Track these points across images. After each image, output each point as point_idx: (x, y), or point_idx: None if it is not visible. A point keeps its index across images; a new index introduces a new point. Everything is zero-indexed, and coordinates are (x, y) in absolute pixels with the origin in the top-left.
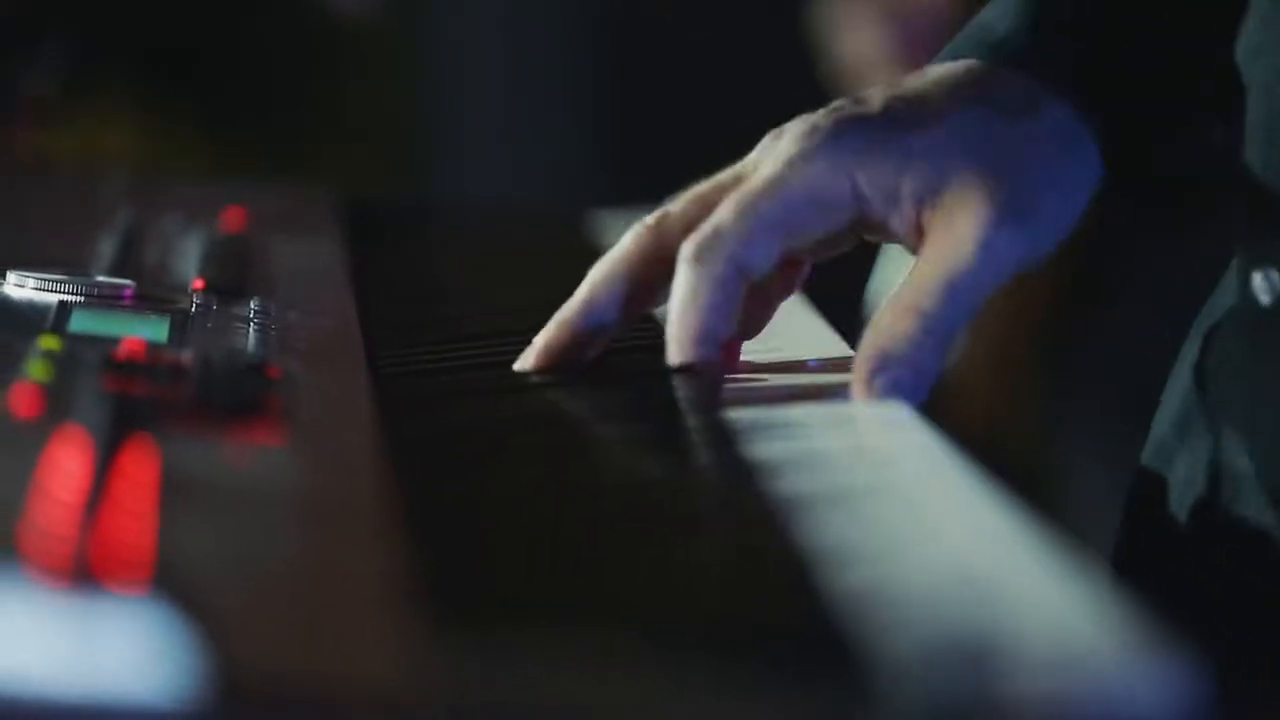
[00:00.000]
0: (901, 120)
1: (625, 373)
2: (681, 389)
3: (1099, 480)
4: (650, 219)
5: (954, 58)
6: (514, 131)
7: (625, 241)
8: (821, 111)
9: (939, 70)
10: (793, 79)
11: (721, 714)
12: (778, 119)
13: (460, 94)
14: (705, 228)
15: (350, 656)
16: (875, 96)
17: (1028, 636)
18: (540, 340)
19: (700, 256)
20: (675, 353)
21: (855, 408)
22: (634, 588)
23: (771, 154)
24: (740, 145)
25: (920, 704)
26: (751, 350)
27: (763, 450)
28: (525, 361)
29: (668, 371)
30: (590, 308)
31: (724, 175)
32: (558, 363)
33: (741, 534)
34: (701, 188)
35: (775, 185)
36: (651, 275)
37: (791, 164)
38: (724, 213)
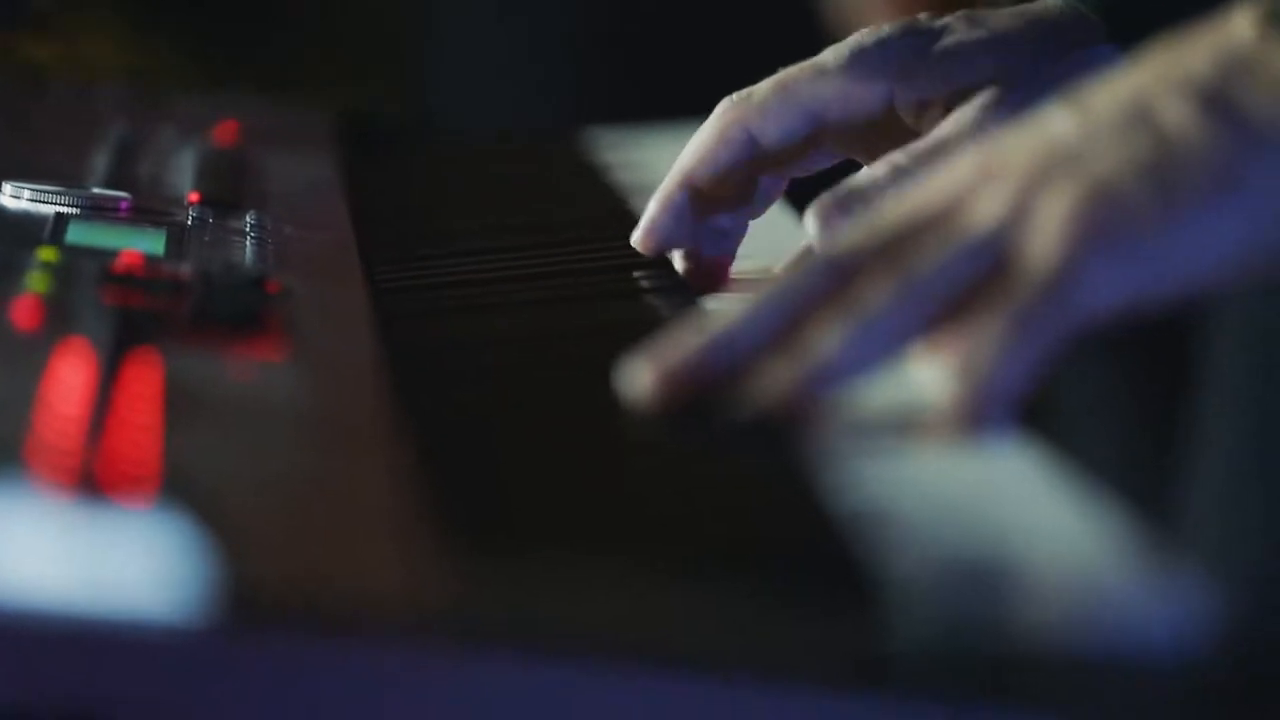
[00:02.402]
0: (960, 37)
1: (627, 290)
2: (682, 303)
3: (1101, 403)
4: (734, 99)
5: None
6: (507, 51)
7: (701, 136)
8: (897, 21)
9: (1016, 8)
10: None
11: (728, 633)
12: (767, 39)
13: (454, 13)
14: (744, 90)
15: (359, 571)
16: (945, 18)
17: (1037, 558)
18: (649, 219)
19: (721, 108)
20: (656, 193)
21: None
22: (640, 508)
23: (834, 48)
24: (736, 63)
25: (930, 624)
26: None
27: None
28: (639, 240)
29: (670, 288)
30: (687, 179)
31: (803, 66)
32: (665, 237)
33: (749, 455)
34: (783, 75)
35: (814, 67)
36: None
37: (839, 54)
38: (763, 82)
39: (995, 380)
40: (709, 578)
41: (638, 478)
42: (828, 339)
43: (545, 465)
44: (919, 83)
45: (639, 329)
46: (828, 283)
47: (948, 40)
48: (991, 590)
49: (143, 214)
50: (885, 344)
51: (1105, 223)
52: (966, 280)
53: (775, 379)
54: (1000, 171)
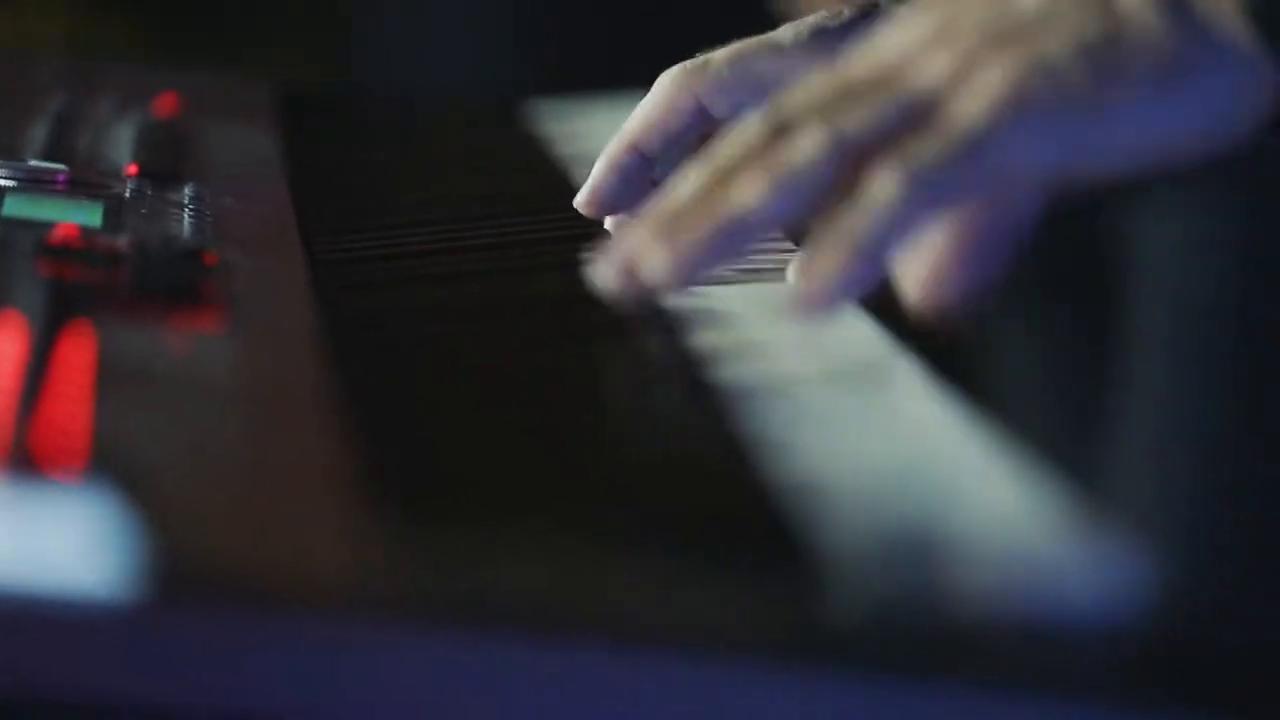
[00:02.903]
0: None
1: (569, 261)
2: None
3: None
4: (688, 66)
5: None
6: (449, 21)
7: (660, 86)
8: (857, 5)
9: None
10: None
11: (664, 602)
12: (710, 11)
13: None
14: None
15: (294, 546)
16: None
17: (969, 527)
18: (593, 180)
19: (672, 74)
20: (603, 154)
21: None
22: (578, 479)
23: (793, 25)
24: (679, 34)
25: (864, 595)
26: None
27: (706, 339)
28: (583, 202)
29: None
30: (633, 142)
31: (760, 39)
32: (608, 201)
33: (685, 423)
34: (739, 47)
35: (772, 43)
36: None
37: (798, 32)
38: (718, 53)
39: (873, 235)
40: (645, 549)
41: (575, 450)
42: (745, 189)
43: (483, 437)
44: None
45: (579, 300)
46: (763, 139)
47: None
48: (925, 559)
49: (80, 186)
50: (800, 193)
51: (1038, 92)
52: (891, 133)
53: (693, 225)
54: (951, 37)
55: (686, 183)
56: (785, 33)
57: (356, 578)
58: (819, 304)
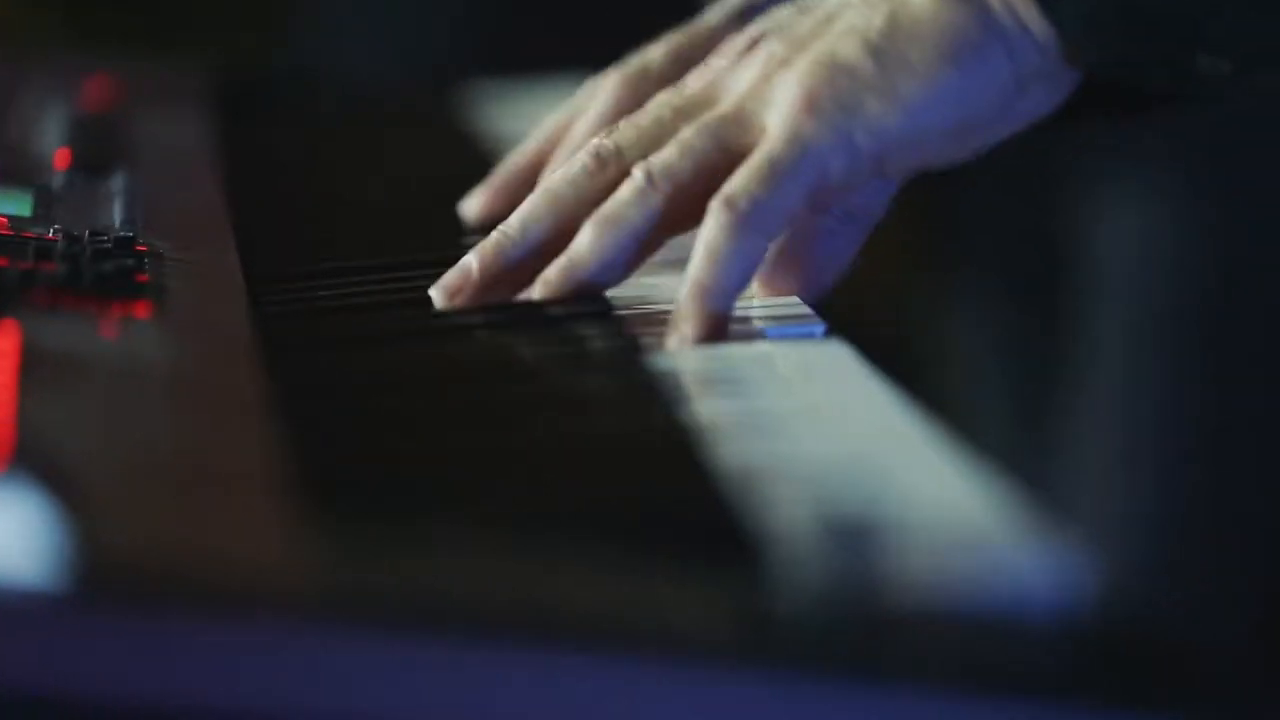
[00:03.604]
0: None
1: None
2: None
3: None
4: (629, 73)
5: None
6: (378, 5)
7: (602, 96)
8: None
9: None
10: None
11: (603, 594)
12: None
13: None
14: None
15: (222, 537)
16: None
17: (915, 520)
18: (491, 185)
19: (615, 79)
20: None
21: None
22: (515, 472)
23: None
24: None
25: (808, 588)
26: None
27: (646, 338)
28: (473, 205)
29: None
30: (541, 155)
31: (696, 30)
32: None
33: (623, 414)
34: (678, 42)
35: (707, 33)
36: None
37: (729, 16)
38: (653, 49)
39: (717, 278)
40: (587, 543)
41: (513, 442)
42: (581, 240)
43: (416, 431)
44: None
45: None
46: (591, 180)
47: None
48: (870, 552)
49: (8, 175)
50: (629, 238)
51: (829, 91)
52: (712, 159)
53: (544, 282)
54: (760, 49)
55: (522, 223)
56: (714, 18)
57: (283, 573)
58: (699, 340)
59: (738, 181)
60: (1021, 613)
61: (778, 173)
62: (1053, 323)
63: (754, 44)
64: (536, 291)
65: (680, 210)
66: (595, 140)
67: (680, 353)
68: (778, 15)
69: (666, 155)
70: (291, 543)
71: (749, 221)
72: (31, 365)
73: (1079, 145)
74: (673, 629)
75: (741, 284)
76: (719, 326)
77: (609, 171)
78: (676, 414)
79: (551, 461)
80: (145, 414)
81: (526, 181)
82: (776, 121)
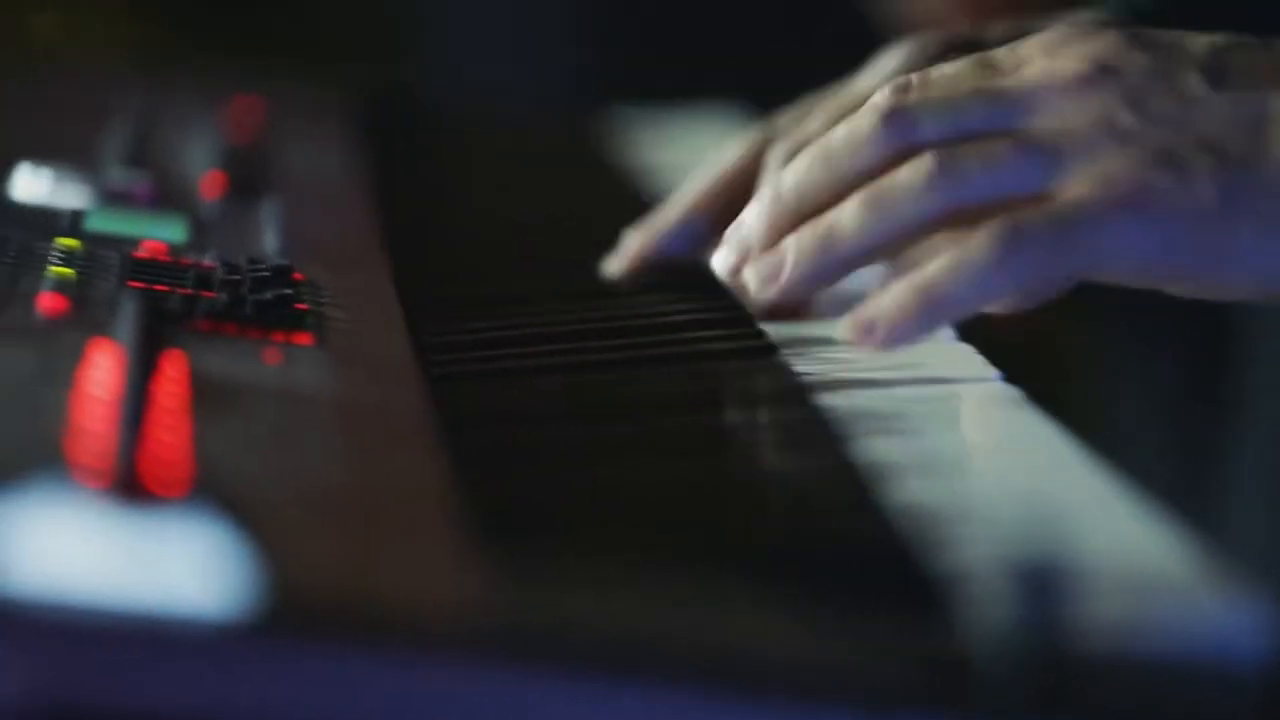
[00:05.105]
0: None
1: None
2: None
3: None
4: (758, 134)
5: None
6: (513, 29)
7: (729, 154)
8: (933, 37)
9: (1074, 15)
10: None
11: (777, 635)
12: (778, 22)
13: None
14: (792, 133)
15: (391, 568)
16: (995, 27)
17: (1099, 561)
18: (632, 245)
19: (783, 160)
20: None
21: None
22: (689, 512)
23: (873, 69)
24: (741, 50)
25: (990, 623)
26: None
27: (818, 373)
28: (615, 265)
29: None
30: (686, 219)
31: (840, 97)
32: (647, 265)
33: (796, 450)
34: (829, 110)
35: (852, 93)
36: (750, 189)
37: (877, 77)
38: (813, 119)
39: (954, 292)
40: (762, 582)
41: (683, 477)
42: (847, 215)
43: (586, 463)
44: None
45: (679, 332)
46: (875, 150)
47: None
48: (1054, 596)
49: (162, 199)
50: (899, 228)
51: (1160, 194)
52: (1007, 187)
53: (796, 245)
54: (1098, 89)
55: (798, 182)
56: (865, 81)
57: (453, 606)
58: (875, 340)
59: (1035, 216)
60: (1206, 659)
61: (1075, 235)
62: (1224, 367)
63: (1094, 79)
64: (788, 251)
65: (952, 219)
66: (888, 100)
67: (849, 392)
68: (1129, 54)
69: (968, 163)
70: (461, 575)
71: (1023, 259)
72: (199, 393)
73: None
74: (851, 672)
75: (972, 310)
76: (914, 337)
77: (894, 143)
78: (850, 451)
79: (723, 497)
80: (314, 443)
81: (682, 238)
82: (1097, 194)
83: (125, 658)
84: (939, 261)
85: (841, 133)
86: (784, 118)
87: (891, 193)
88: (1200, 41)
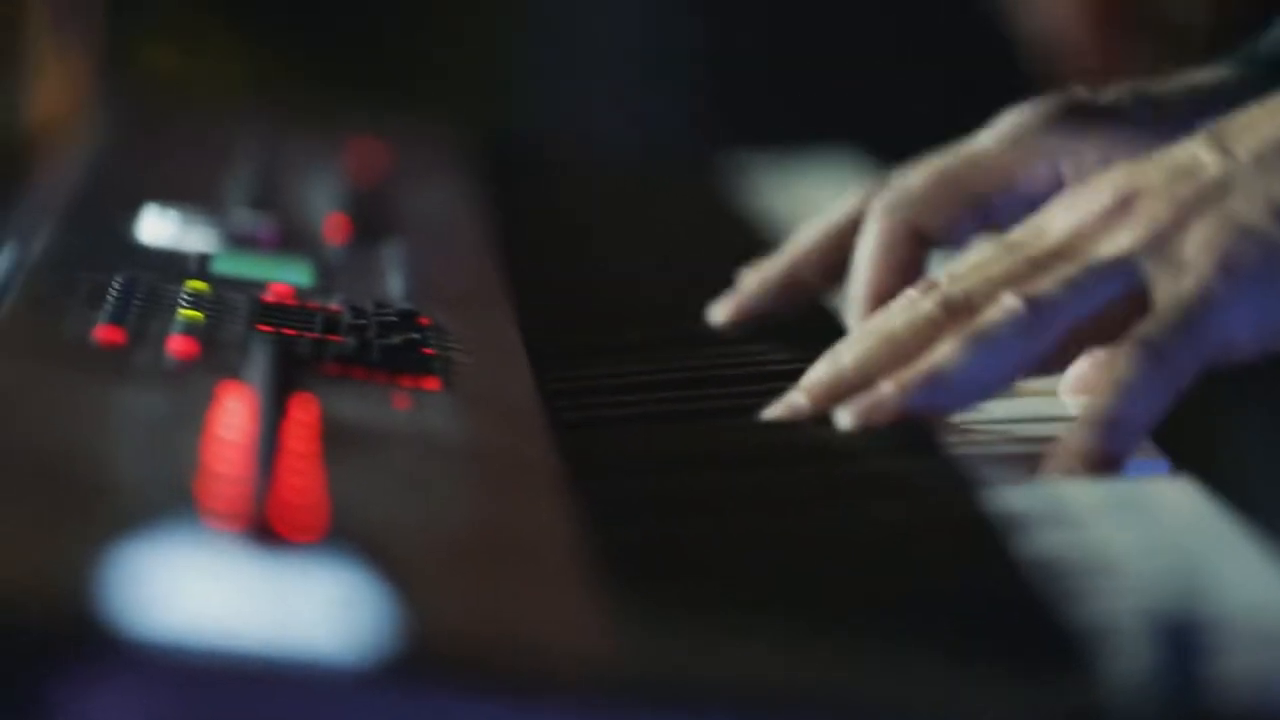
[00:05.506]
0: (1127, 116)
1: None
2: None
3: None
4: (891, 203)
5: (1225, 64)
6: (634, 72)
7: (837, 207)
8: (1056, 95)
9: (1192, 75)
10: (918, 23)
11: (917, 685)
12: (896, 63)
13: (588, 30)
14: (895, 185)
15: (531, 616)
16: (1113, 90)
17: (1238, 616)
18: (742, 294)
19: (881, 213)
20: (852, 310)
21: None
22: (815, 559)
23: (990, 129)
24: (860, 95)
25: (1129, 679)
26: None
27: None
28: (723, 312)
29: None
30: (794, 270)
31: (969, 154)
32: (753, 315)
33: (932, 502)
34: (945, 168)
35: (974, 156)
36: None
37: (999, 139)
38: (916, 174)
39: (1126, 415)
40: (894, 634)
41: (814, 529)
42: (948, 351)
43: (716, 513)
44: (1086, 163)
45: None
46: (937, 330)
47: (1114, 118)
48: (1195, 652)
49: (286, 241)
50: (1008, 363)
51: (1245, 256)
52: (1097, 305)
53: (899, 387)
54: (1137, 203)
55: (859, 358)
56: (986, 141)
57: (587, 657)
58: (1088, 472)
59: (1152, 326)
60: None
61: (1193, 327)
62: None
63: (1123, 204)
64: (886, 394)
65: (1056, 350)
66: (939, 290)
67: (979, 441)
68: (1137, 169)
69: (1049, 288)
70: (590, 622)
71: (1168, 365)
72: (329, 437)
73: None
74: None
75: (1148, 427)
76: (1115, 465)
77: (959, 320)
78: (983, 501)
79: (853, 547)
80: (445, 489)
81: (781, 300)
82: (1189, 281)
83: (258, 701)
84: (1099, 396)
85: (898, 318)
86: (894, 177)
87: (991, 329)
88: (1193, 140)
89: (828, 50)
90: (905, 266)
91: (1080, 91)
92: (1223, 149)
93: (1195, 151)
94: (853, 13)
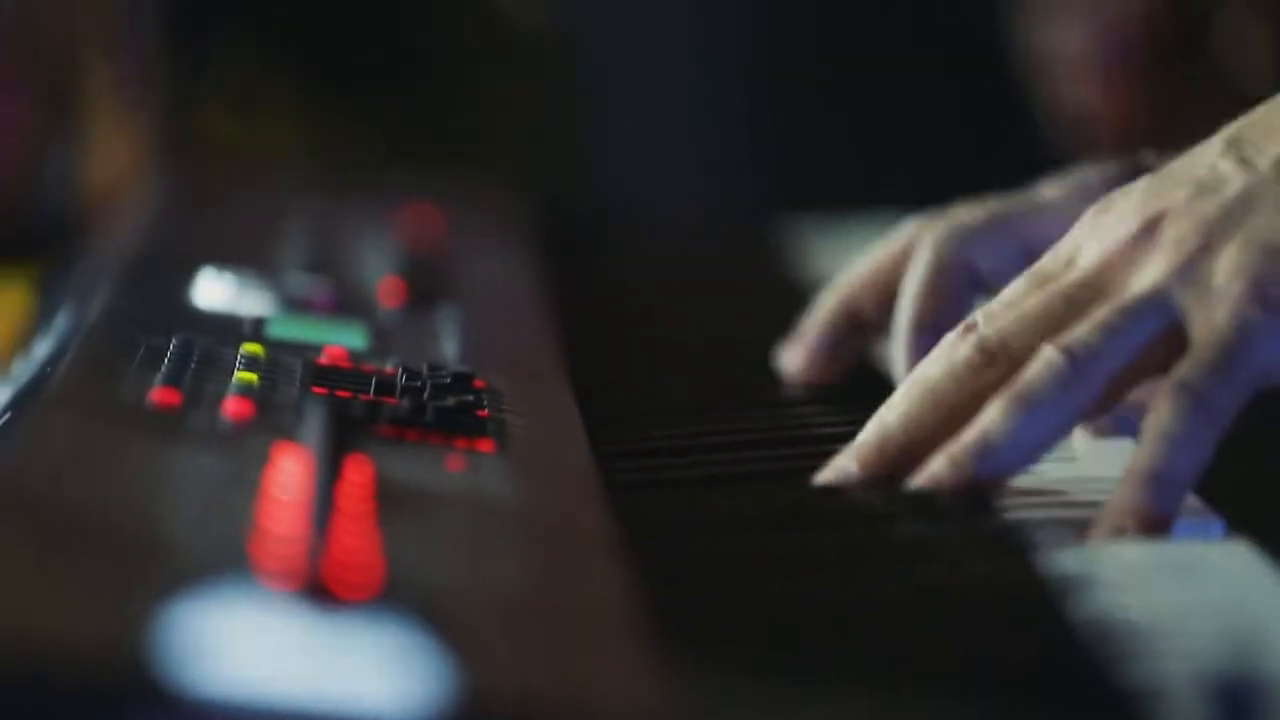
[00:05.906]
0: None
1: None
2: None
3: None
4: (945, 237)
5: None
6: (682, 137)
7: (891, 239)
8: (1124, 158)
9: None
10: (975, 87)
11: None
12: (953, 126)
13: (637, 93)
14: (949, 219)
15: (586, 679)
16: (1147, 158)
17: None
18: (803, 333)
19: (932, 244)
20: (896, 340)
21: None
22: (870, 622)
23: (1053, 182)
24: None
25: None
26: None
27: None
28: (789, 357)
29: None
30: (849, 300)
31: (1027, 202)
32: (816, 356)
33: (990, 564)
34: (1002, 210)
35: (1035, 203)
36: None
37: (1064, 189)
38: (972, 211)
39: (1171, 468)
40: (954, 697)
41: (863, 591)
42: (994, 417)
43: (773, 576)
44: None
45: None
46: (977, 376)
47: None
48: (1253, 710)
49: (341, 305)
50: (1055, 422)
51: (1274, 280)
52: (1135, 348)
53: (951, 462)
54: (1163, 226)
55: (904, 416)
56: (1048, 192)
57: (641, 716)
58: (1133, 534)
59: (1190, 369)
60: None
61: (1231, 363)
62: None
63: (1148, 228)
64: (940, 470)
65: (1101, 398)
66: (975, 333)
67: (1036, 503)
68: (1159, 189)
69: (1087, 338)
70: (646, 684)
71: (1209, 409)
72: (384, 498)
73: None
74: None
75: (1195, 477)
76: (1165, 522)
77: (998, 366)
78: (1040, 563)
79: (911, 610)
80: (499, 550)
81: (842, 333)
82: (1223, 313)
83: None
84: (1142, 448)
85: (937, 368)
86: (968, 225)
87: (1032, 389)
88: (1211, 147)
89: (883, 113)
90: (952, 299)
91: (1147, 156)
92: (1241, 159)
93: (1215, 163)
94: (908, 78)
